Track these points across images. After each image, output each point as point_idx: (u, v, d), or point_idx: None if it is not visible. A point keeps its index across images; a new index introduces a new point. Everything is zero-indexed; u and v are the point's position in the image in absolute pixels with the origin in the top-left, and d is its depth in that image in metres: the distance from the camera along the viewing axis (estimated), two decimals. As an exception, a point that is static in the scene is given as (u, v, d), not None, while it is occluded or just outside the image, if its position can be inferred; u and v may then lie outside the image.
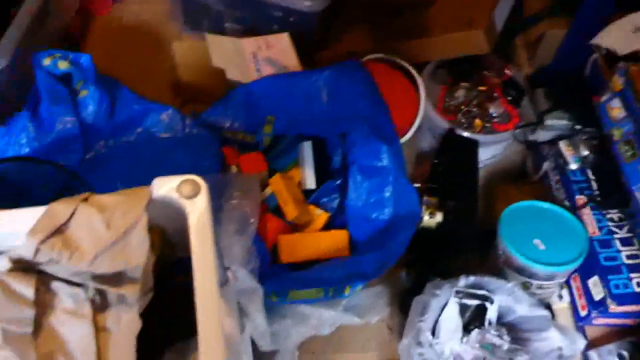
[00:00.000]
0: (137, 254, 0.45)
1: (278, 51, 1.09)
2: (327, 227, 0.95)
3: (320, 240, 0.91)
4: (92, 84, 0.91)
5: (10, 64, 0.93)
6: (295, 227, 0.94)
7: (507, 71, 1.10)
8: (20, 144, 0.87)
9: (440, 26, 1.10)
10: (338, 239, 0.91)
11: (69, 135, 0.89)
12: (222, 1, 1.17)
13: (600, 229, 0.91)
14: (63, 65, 0.90)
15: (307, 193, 0.97)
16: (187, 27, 1.26)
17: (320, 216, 0.95)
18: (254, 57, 1.07)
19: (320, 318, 0.84)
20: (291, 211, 0.91)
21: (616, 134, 0.88)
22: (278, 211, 0.93)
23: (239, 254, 0.80)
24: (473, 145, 0.99)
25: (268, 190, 0.94)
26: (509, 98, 1.07)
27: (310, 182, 0.97)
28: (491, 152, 1.06)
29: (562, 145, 0.97)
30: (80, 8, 1.23)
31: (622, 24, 0.95)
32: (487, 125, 1.04)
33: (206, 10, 1.20)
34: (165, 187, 0.48)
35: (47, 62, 0.90)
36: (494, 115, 1.05)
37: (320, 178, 0.98)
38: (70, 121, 0.89)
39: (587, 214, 0.92)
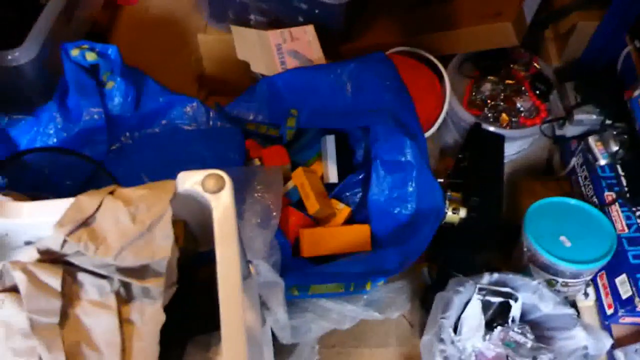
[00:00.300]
0: (161, 247, 0.46)
1: (302, 43, 1.08)
2: (349, 221, 0.94)
3: (342, 235, 0.91)
4: (119, 75, 0.92)
5: (39, 55, 0.95)
6: (317, 221, 0.94)
7: (535, 64, 1.08)
8: (48, 134, 0.88)
9: (468, 18, 1.07)
10: (360, 233, 0.90)
11: (95, 127, 0.90)
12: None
13: (629, 226, 0.89)
14: (91, 57, 0.91)
15: (330, 187, 0.97)
16: (212, 19, 1.26)
17: (342, 210, 0.95)
18: (278, 50, 1.06)
19: (341, 313, 0.84)
20: (313, 205, 0.91)
21: (648, 129, 0.86)
22: (300, 205, 0.93)
23: (261, 247, 0.81)
24: (499, 140, 0.97)
25: (290, 184, 0.94)
26: (537, 92, 1.04)
27: (333, 176, 0.97)
28: (517, 146, 1.04)
29: (592, 140, 0.95)
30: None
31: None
32: (514, 119, 1.02)
33: (231, 2, 1.20)
34: (189, 181, 0.48)
35: (75, 53, 0.91)
36: (521, 109, 1.03)
37: (342, 172, 0.97)
38: (96, 112, 0.90)
39: (616, 210, 0.90)
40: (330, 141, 0.98)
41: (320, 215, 0.93)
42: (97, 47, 0.93)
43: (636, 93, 0.89)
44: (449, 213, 0.91)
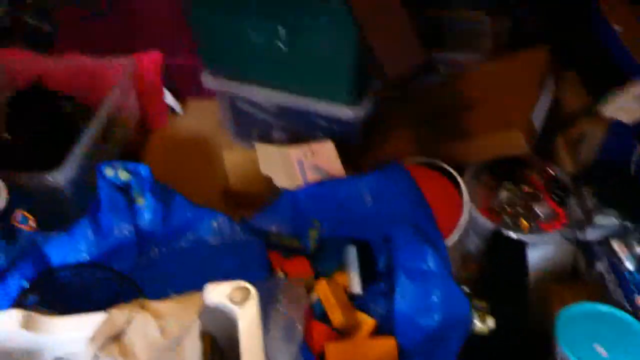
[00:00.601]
0: (190, 356, 0.46)
1: (322, 158, 1.13)
2: (375, 333, 0.93)
3: (369, 349, 0.89)
4: (149, 192, 0.97)
5: (77, 176, 1.01)
6: (342, 334, 0.92)
7: (550, 170, 1.11)
8: (80, 250, 0.91)
9: (480, 128, 1.12)
10: (386, 347, 0.88)
11: (125, 242, 0.93)
12: (270, 113, 1.25)
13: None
14: (123, 176, 0.97)
15: (353, 297, 0.96)
16: (237, 137, 1.35)
17: (368, 322, 0.93)
18: (299, 164, 1.12)
19: None
20: (338, 318, 0.90)
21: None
22: (324, 317, 0.92)
23: (286, 362, 0.79)
24: (521, 246, 0.98)
25: (314, 296, 0.94)
26: (555, 197, 1.06)
27: (357, 287, 0.97)
28: (540, 252, 1.04)
29: (615, 244, 0.94)
30: (139, 122, 1.34)
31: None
32: (534, 225, 1.03)
33: (255, 121, 1.29)
34: (216, 292, 0.50)
35: (109, 172, 0.97)
36: (540, 215, 1.04)
37: (366, 281, 0.97)
38: (127, 229, 0.94)
39: (650, 317, 0.87)
40: (352, 252, 0.99)
41: (345, 328, 0.91)
42: (129, 167, 0.98)
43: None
44: (477, 323, 0.89)
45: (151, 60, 1.34)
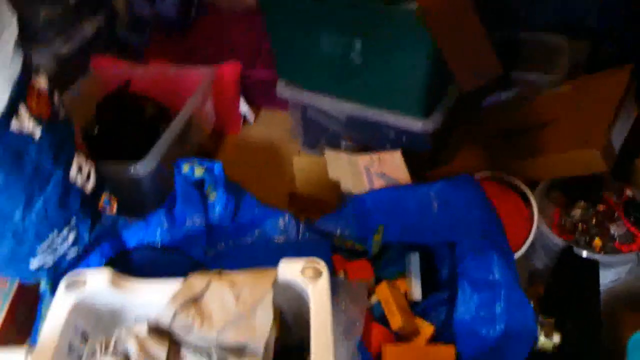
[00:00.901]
0: (261, 328, 0.48)
1: (390, 167, 1.14)
2: (433, 340, 0.91)
3: (426, 354, 0.88)
4: (221, 188, 1.01)
5: (155, 170, 1.08)
6: (400, 338, 0.92)
7: (627, 191, 1.07)
8: (154, 236, 0.96)
9: (555, 146, 1.10)
10: (445, 354, 0.87)
11: (196, 232, 0.97)
12: (340, 123, 1.28)
13: None
14: (199, 172, 1.02)
15: (413, 305, 0.96)
16: (306, 146, 1.39)
17: (426, 328, 0.92)
18: (367, 172, 1.13)
19: None
20: (397, 321, 0.90)
21: None
22: (383, 320, 0.92)
23: (343, 357, 0.80)
24: (593, 265, 0.94)
25: (374, 299, 0.94)
26: (632, 219, 1.02)
27: (417, 294, 0.96)
28: (613, 274, 0.99)
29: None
30: (214, 128, 1.40)
31: None
32: (609, 245, 0.99)
33: (324, 131, 1.32)
34: (290, 268, 0.51)
35: (186, 168, 1.02)
36: (615, 235, 1.00)
37: (426, 290, 0.97)
38: (198, 221, 0.99)
39: None
40: (415, 258, 0.99)
41: (403, 332, 0.91)
42: (204, 164, 1.04)
43: None
44: (542, 338, 0.86)
45: (230, 71, 1.41)
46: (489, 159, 1.18)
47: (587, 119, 1.10)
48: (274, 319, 0.50)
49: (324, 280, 0.51)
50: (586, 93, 1.18)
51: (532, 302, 0.91)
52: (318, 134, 1.35)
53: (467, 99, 1.27)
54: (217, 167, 1.03)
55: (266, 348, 0.48)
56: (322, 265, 0.52)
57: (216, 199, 1.02)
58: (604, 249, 0.99)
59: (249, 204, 1.04)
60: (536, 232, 1.00)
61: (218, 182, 1.02)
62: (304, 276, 0.51)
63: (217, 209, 1.01)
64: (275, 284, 0.50)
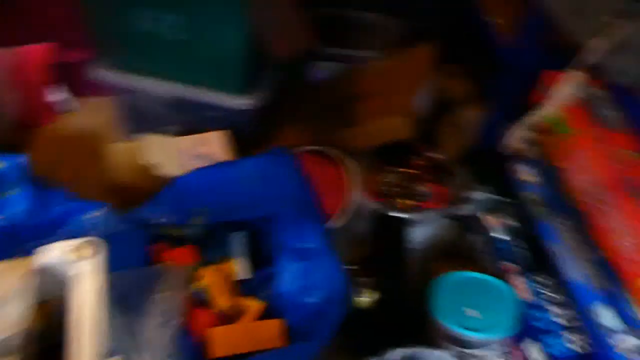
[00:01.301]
0: (11, 323, 0.44)
1: (214, 148, 1.12)
2: (267, 317, 0.92)
3: (253, 332, 0.88)
4: (25, 183, 0.92)
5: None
6: (229, 320, 0.91)
7: (434, 155, 1.16)
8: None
9: (368, 117, 1.17)
10: (271, 328, 0.88)
11: (-6, 235, 0.88)
12: (165, 106, 1.23)
13: (533, 293, 0.91)
14: (-2, 165, 0.92)
15: (243, 283, 0.95)
16: (132, 133, 1.31)
17: (255, 306, 0.93)
18: (189, 154, 1.10)
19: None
20: (222, 303, 0.89)
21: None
22: (210, 304, 0.91)
23: (162, 347, 0.78)
24: (403, 223, 1.01)
25: (200, 283, 0.92)
26: (438, 179, 1.11)
27: (244, 273, 0.96)
28: (426, 231, 1.08)
29: (489, 217, 1.00)
30: (21, 120, 1.27)
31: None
32: (418, 205, 1.07)
33: (150, 116, 1.26)
34: (49, 254, 0.48)
35: (-19, 162, 0.92)
36: (424, 195, 1.09)
37: (257, 267, 0.97)
38: (-5, 221, 0.89)
39: (519, 280, 0.93)
40: (240, 238, 0.98)
41: (230, 313, 0.90)
42: (3, 159, 0.94)
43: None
44: (362, 298, 0.91)
45: (37, 53, 1.28)
46: (312, 134, 1.21)
47: (396, 91, 1.18)
48: (35, 316, 0.46)
49: (91, 261, 0.47)
50: (395, 67, 1.27)
51: (356, 265, 0.96)
52: (144, 120, 1.28)
53: (291, 75, 1.29)
54: (19, 159, 0.94)
55: (24, 344, 0.44)
56: (89, 244, 0.48)
57: (20, 194, 0.93)
58: (413, 209, 1.06)
59: (58, 198, 0.96)
60: (353, 199, 1.05)
61: (21, 177, 0.93)
62: (67, 260, 0.47)
63: (20, 206, 0.92)
64: (32, 274, 0.46)
